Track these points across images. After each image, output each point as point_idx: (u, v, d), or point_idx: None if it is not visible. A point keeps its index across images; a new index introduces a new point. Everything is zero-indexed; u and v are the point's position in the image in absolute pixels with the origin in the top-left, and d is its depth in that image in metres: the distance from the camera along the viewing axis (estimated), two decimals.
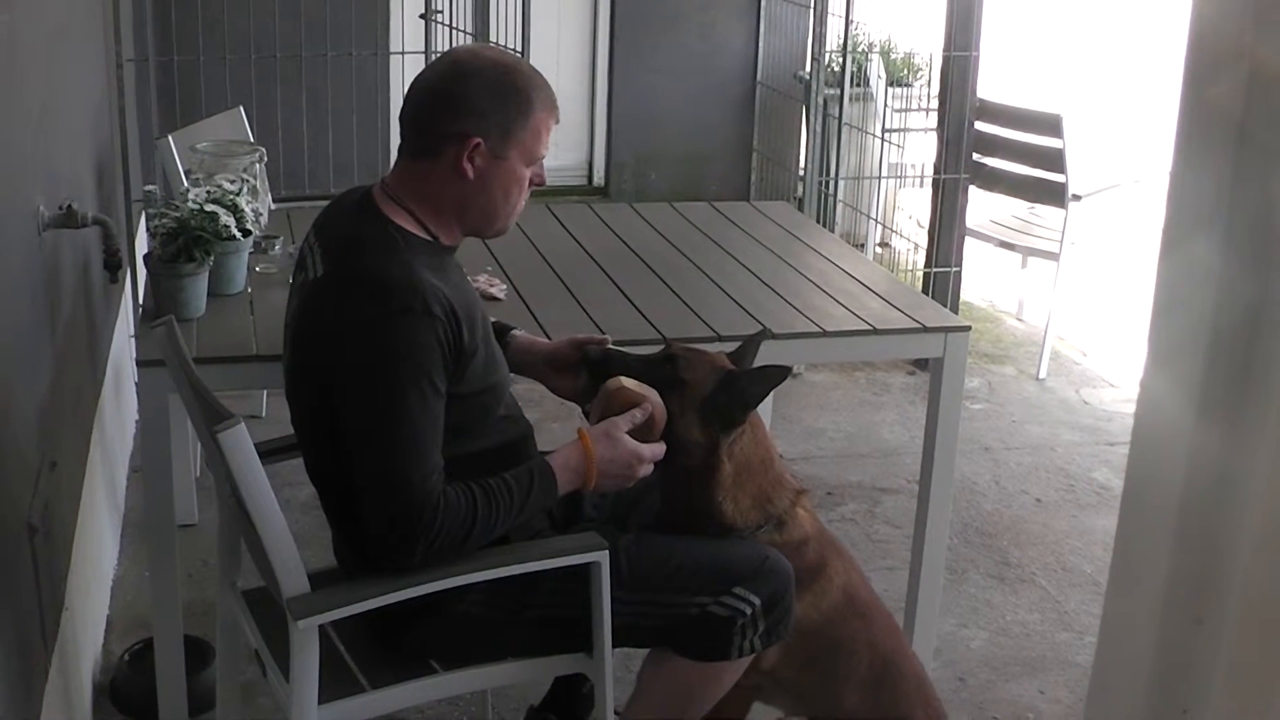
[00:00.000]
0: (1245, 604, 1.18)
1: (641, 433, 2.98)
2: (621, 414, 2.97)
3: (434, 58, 6.40)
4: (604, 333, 3.45)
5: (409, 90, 2.91)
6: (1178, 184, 1.23)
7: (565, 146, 8.66)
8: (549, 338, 3.47)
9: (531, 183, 2.94)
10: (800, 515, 3.22)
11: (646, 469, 2.99)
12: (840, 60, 6.89)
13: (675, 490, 3.20)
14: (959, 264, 6.52)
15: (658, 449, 3.00)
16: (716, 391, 3.09)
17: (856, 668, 3.24)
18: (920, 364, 6.39)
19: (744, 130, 8.62)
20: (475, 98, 2.82)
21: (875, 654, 3.25)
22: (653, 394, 3.02)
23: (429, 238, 2.88)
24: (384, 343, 2.71)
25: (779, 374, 3.13)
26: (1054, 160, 6.39)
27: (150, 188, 4.41)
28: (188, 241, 3.56)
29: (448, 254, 2.95)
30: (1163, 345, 1.26)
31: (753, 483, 3.16)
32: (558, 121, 2.95)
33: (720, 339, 3.60)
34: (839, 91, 6.89)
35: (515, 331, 3.33)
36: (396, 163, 2.95)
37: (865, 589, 3.30)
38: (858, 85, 7.70)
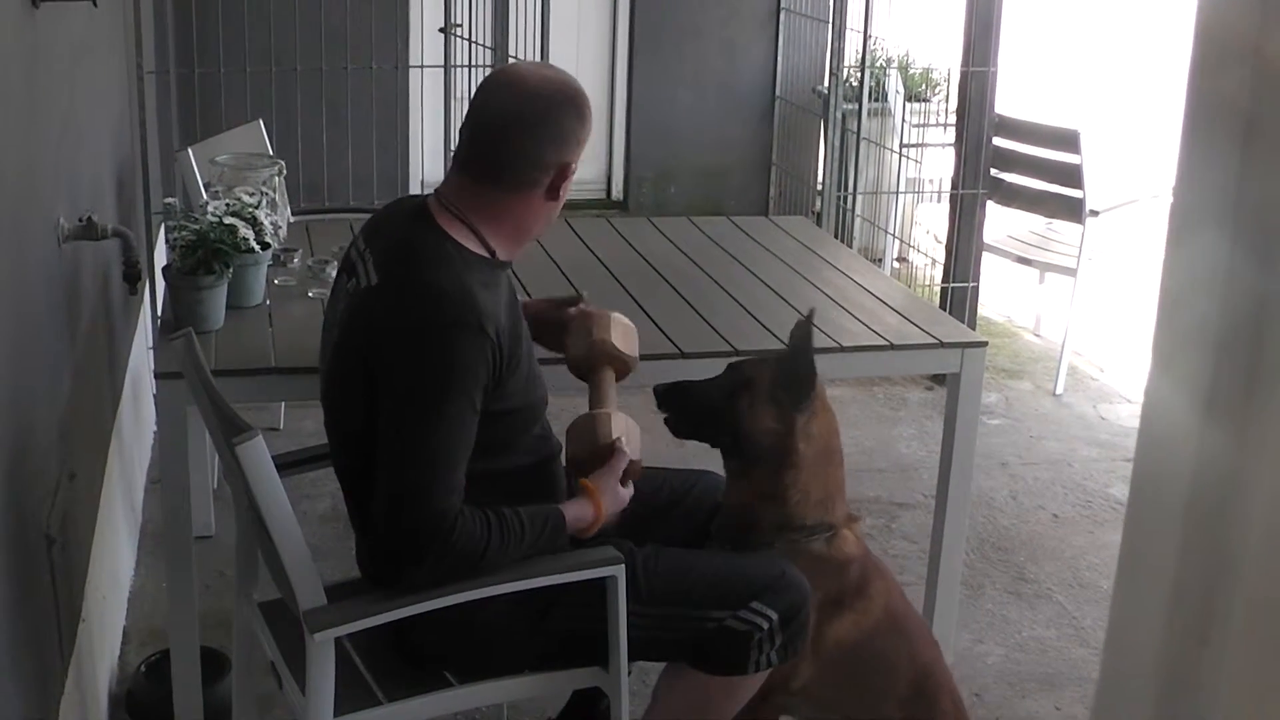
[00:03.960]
0: (1250, 623, 1.17)
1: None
2: (602, 450, 3.06)
3: (454, 72, 6.43)
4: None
5: (486, 122, 2.90)
6: (1184, 179, 1.22)
7: (584, 160, 8.58)
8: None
9: None
10: (849, 537, 3.25)
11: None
12: (859, 75, 6.90)
13: (744, 476, 3.27)
14: (976, 279, 6.51)
15: (630, 490, 3.09)
16: (779, 371, 3.20)
17: (896, 684, 3.27)
18: (938, 379, 6.38)
19: (763, 145, 8.62)
20: (571, 128, 2.89)
21: (915, 668, 3.28)
22: (623, 437, 3.10)
23: (486, 254, 2.90)
24: (434, 354, 2.73)
25: (805, 322, 3.24)
26: (1072, 176, 6.39)
27: (170, 200, 4.43)
28: (207, 254, 3.57)
29: (502, 270, 2.97)
30: (1168, 343, 1.26)
31: (826, 475, 3.24)
32: None
33: (736, 353, 3.61)
34: (857, 106, 6.89)
35: None
36: (461, 183, 2.92)
37: (905, 606, 3.33)
38: (876, 100, 7.70)
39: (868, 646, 3.22)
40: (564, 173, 2.90)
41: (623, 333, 3.30)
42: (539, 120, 2.86)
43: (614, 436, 3.06)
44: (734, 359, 3.42)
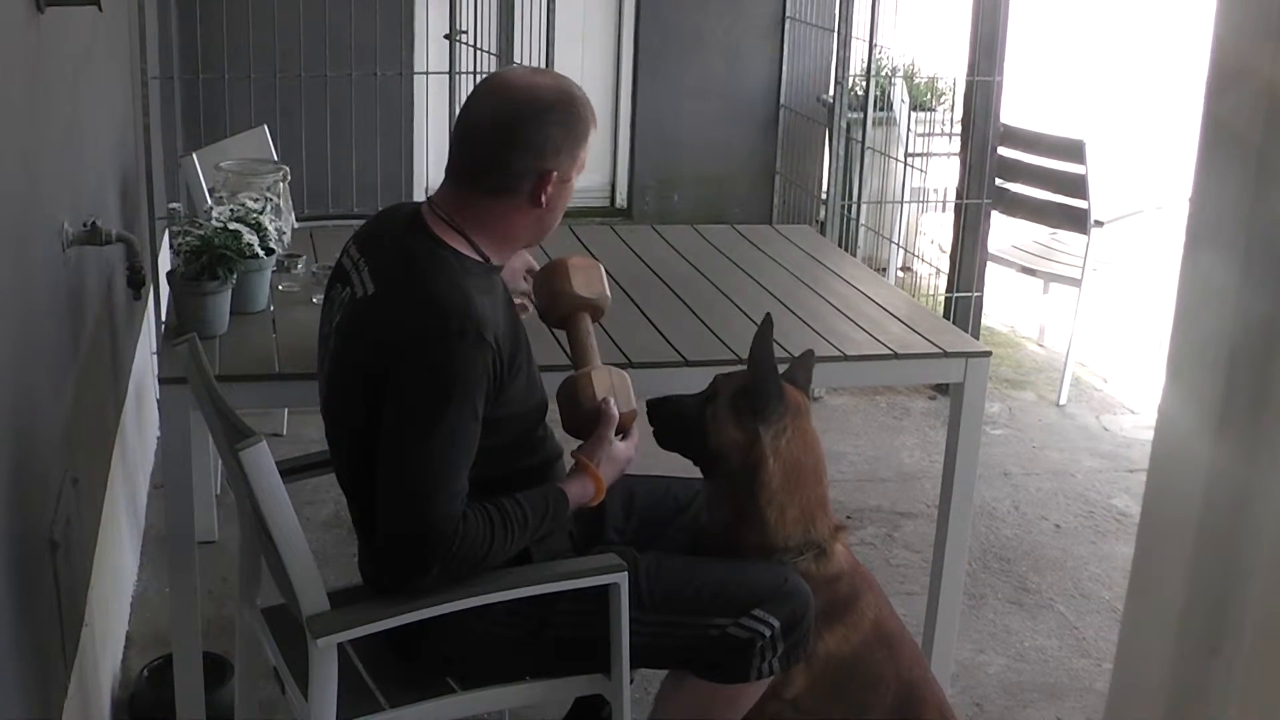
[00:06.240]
0: (1262, 635, 1.17)
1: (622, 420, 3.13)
2: (589, 415, 3.08)
3: (459, 79, 6.43)
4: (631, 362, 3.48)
5: (470, 127, 2.91)
6: (1197, 201, 1.23)
7: (588, 168, 8.57)
8: (570, 362, 3.45)
9: None
10: (838, 551, 3.24)
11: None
12: (864, 84, 6.90)
13: (721, 496, 3.26)
14: (980, 289, 6.51)
15: (634, 438, 3.14)
16: (742, 381, 3.19)
17: (882, 698, 3.26)
18: (941, 389, 6.38)
19: (767, 153, 8.61)
20: (550, 135, 2.86)
21: (900, 684, 3.27)
22: (612, 393, 3.12)
23: (480, 259, 2.91)
24: (436, 364, 2.73)
25: (763, 329, 3.20)
26: (1076, 186, 6.39)
27: (174, 205, 4.43)
28: (211, 259, 3.57)
29: (495, 272, 2.98)
30: (1180, 363, 1.26)
31: (801, 493, 3.20)
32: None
33: (740, 362, 3.60)
34: (862, 115, 6.90)
35: None
36: (450, 190, 2.94)
37: (893, 619, 3.31)
38: (881, 109, 7.70)
39: (856, 660, 3.22)
40: (545, 180, 2.87)
41: (584, 277, 3.31)
42: (516, 128, 2.85)
43: (599, 398, 3.08)
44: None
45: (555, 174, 2.88)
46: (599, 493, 3.01)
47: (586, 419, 3.08)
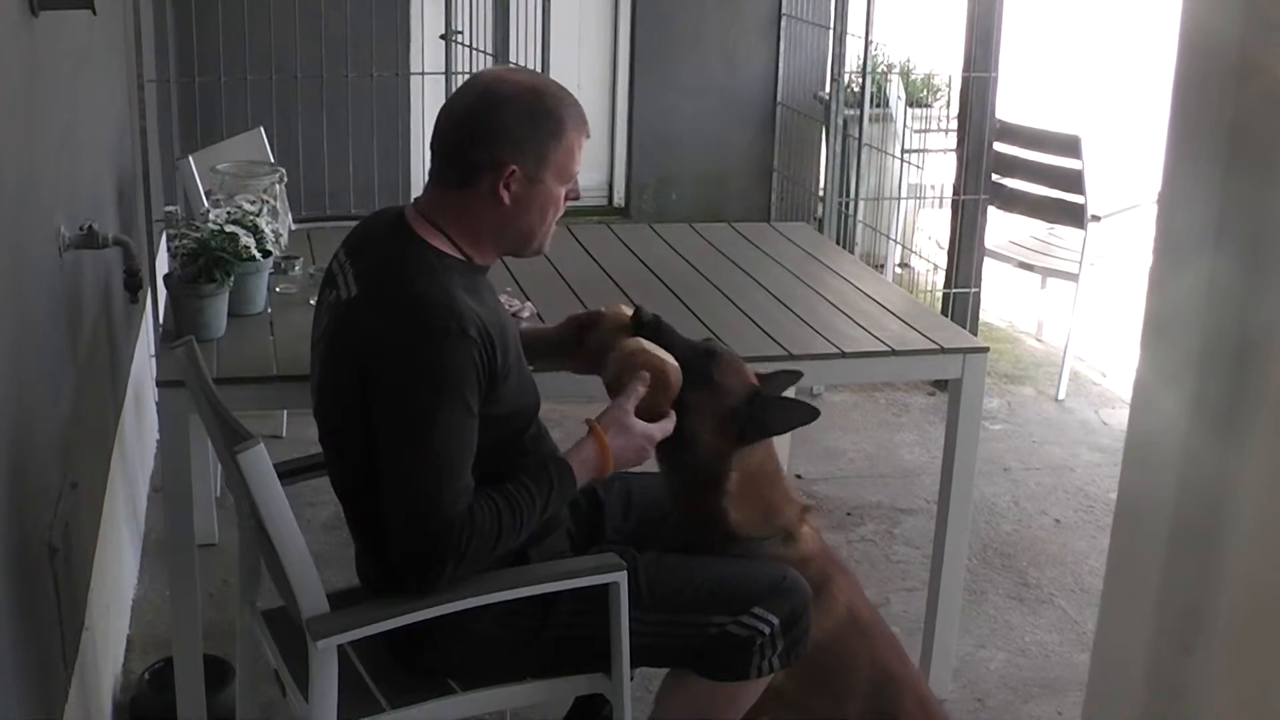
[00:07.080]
0: (1233, 633, 1.17)
1: (656, 396, 3.02)
2: (629, 382, 3.00)
3: (455, 79, 6.43)
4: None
5: (439, 119, 2.93)
6: (1167, 203, 1.22)
7: (585, 167, 8.51)
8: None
9: (566, 198, 2.97)
10: (805, 533, 3.24)
11: (654, 447, 3.03)
12: (860, 81, 6.90)
13: (682, 493, 3.24)
14: (978, 285, 6.51)
15: (668, 424, 3.03)
16: (742, 405, 3.14)
17: (858, 684, 3.25)
18: (940, 384, 6.38)
19: (764, 151, 8.62)
20: (508, 126, 2.83)
21: (876, 670, 3.27)
22: (669, 359, 3.05)
23: (463, 259, 2.90)
24: (422, 363, 2.73)
25: (806, 415, 3.19)
26: (1073, 181, 6.39)
27: (171, 208, 4.42)
28: (208, 262, 3.57)
29: (481, 274, 2.97)
30: (1155, 367, 1.26)
31: (758, 494, 3.21)
32: (588, 136, 2.98)
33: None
34: (859, 112, 6.89)
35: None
36: (429, 188, 2.95)
37: (867, 607, 3.32)
38: (877, 106, 7.70)
39: (830, 643, 3.20)
40: (502, 172, 2.84)
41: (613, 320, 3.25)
42: (475, 119, 2.86)
43: (641, 349, 3.02)
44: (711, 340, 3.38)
45: (515, 169, 2.84)
46: (605, 458, 2.93)
47: (624, 372, 3.02)
